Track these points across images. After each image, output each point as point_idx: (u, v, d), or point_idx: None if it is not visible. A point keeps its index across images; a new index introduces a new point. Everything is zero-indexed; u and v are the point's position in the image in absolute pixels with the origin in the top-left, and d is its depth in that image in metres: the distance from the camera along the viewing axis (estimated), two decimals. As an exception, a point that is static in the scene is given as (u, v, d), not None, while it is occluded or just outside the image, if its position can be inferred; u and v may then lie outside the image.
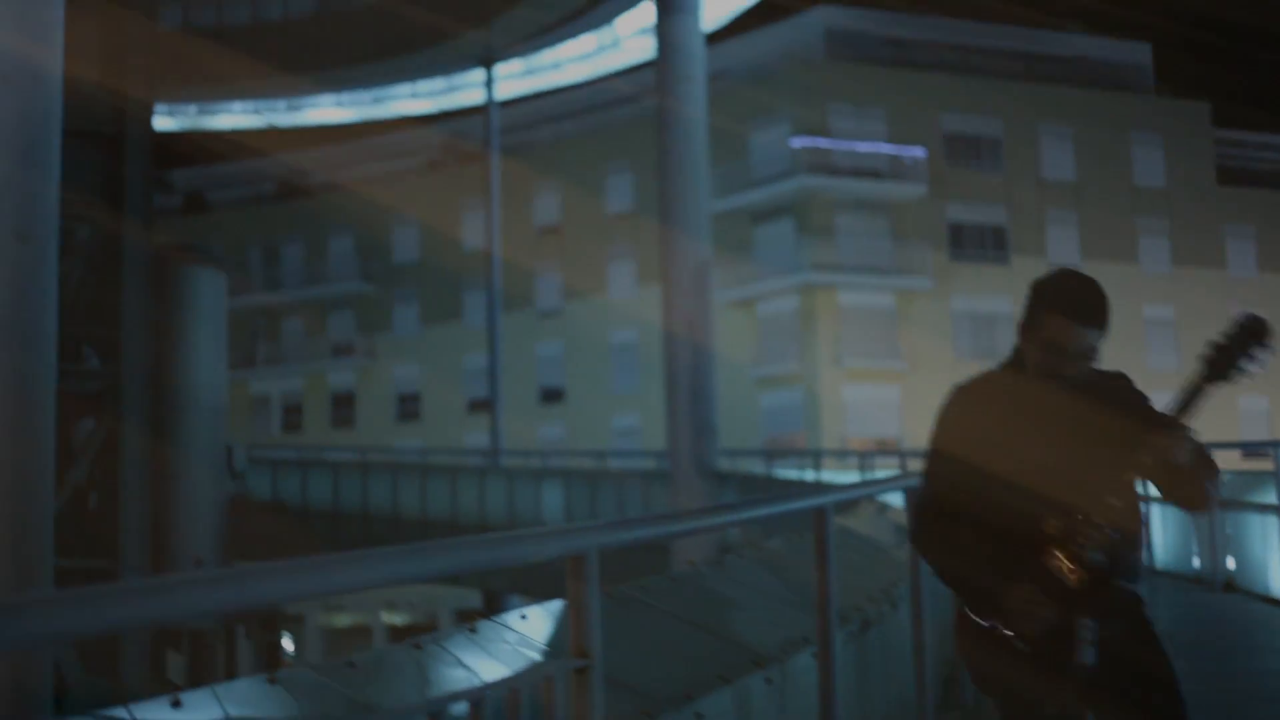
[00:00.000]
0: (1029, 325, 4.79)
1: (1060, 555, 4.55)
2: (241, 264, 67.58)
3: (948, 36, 60.54)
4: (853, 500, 12.49)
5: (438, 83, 52.75)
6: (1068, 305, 4.70)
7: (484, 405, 56.89)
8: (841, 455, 41.29)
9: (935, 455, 4.84)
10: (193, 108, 54.63)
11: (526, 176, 62.58)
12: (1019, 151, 58.40)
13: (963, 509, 4.74)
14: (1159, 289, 58.69)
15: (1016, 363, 4.85)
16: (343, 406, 71.26)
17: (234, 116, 56.67)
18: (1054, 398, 4.73)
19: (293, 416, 72.66)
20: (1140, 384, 4.93)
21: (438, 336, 67.34)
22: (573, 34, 46.85)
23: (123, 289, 29.60)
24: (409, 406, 69.02)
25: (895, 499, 15.27)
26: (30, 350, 17.87)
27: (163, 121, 48.32)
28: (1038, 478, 4.63)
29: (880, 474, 29.91)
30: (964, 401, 4.88)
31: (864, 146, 55.10)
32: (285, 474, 40.82)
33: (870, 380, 53.81)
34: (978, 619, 4.74)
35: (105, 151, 29.43)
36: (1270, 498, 14.38)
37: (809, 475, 34.94)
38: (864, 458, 34.94)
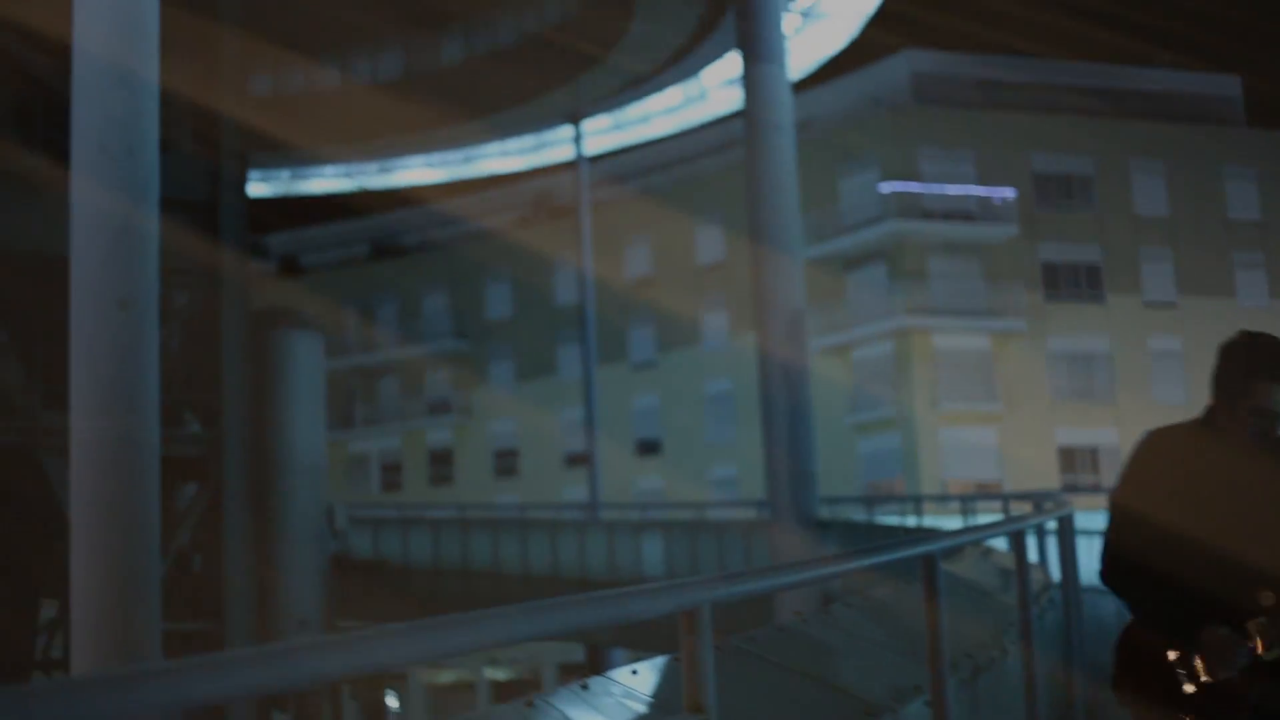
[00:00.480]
0: (1232, 391, 5.07)
1: (1264, 628, 4.75)
2: (337, 325, 68.11)
3: (1035, 77, 60.27)
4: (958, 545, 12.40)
5: (527, 140, 53.05)
6: (1275, 371, 5.00)
7: (581, 459, 56.93)
8: (942, 499, 40.99)
9: (1129, 493, 5.15)
10: (286, 173, 55.20)
11: (617, 230, 62.78)
12: (1111, 189, 57.97)
13: (1158, 547, 5.01)
14: (1258, 323, 57.16)
15: (1210, 420, 5.09)
16: (441, 464, 71.55)
17: (326, 180, 57.22)
18: (1253, 461, 5.01)
19: (392, 475, 73.05)
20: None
21: (533, 391, 67.53)
22: (659, 87, 46.99)
23: (221, 354, 29.95)
24: (507, 462, 69.21)
25: (1000, 543, 15.12)
26: (133, 416, 18.06)
27: (256, 187, 48.83)
28: (1234, 537, 4.91)
29: (982, 518, 29.66)
30: (1162, 447, 5.19)
31: (954, 189, 54.89)
32: (386, 532, 40.96)
33: (967, 423, 53.46)
34: (1156, 641, 4.99)
35: (202, 219, 29.83)
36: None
37: (909, 521, 34.71)
38: (964, 501, 34.66)
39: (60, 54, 21.51)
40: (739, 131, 36.09)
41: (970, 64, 59.83)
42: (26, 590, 28.96)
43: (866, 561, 5.84)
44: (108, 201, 18.76)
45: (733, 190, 46.79)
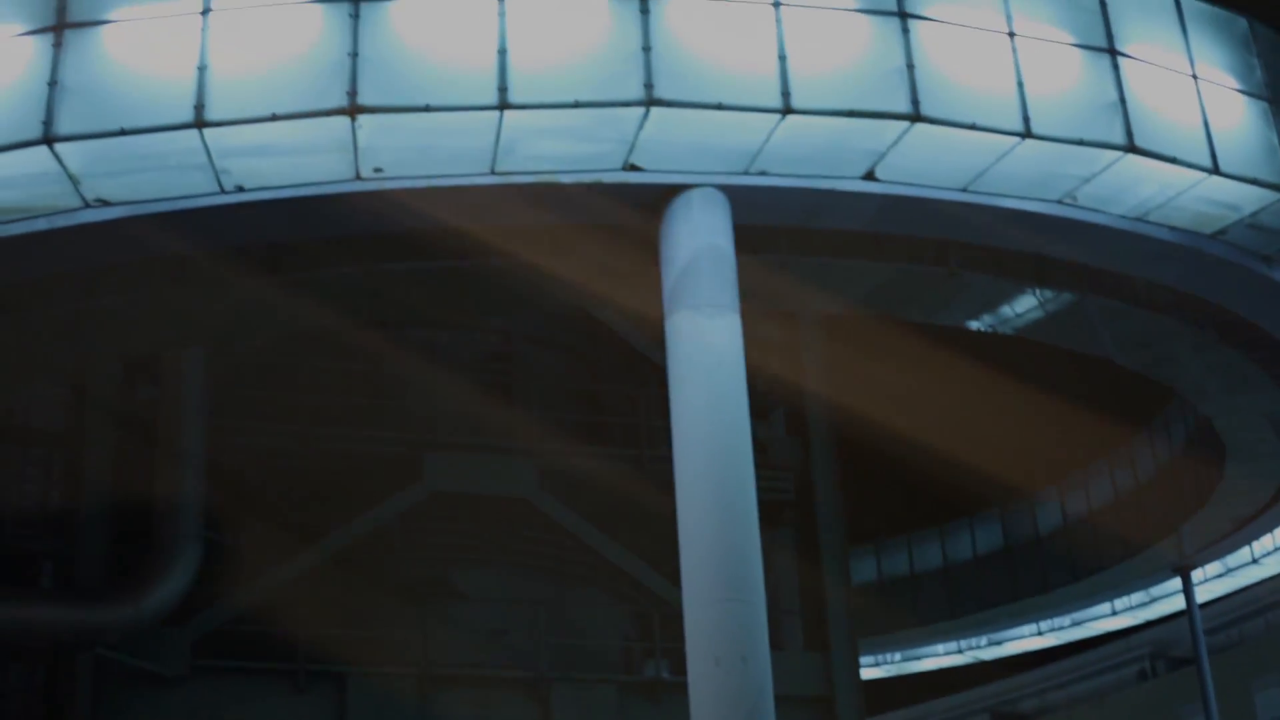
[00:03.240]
0: None
1: None
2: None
3: None
4: None
5: (1136, 596, 52.32)
6: None
7: None
8: None
9: None
10: (897, 654, 55.92)
11: (1241, 675, 60.58)
12: None
13: None
14: None
15: None
16: None
17: (938, 658, 57.63)
18: None
19: None
20: None
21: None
22: (1266, 528, 45.90)
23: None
24: None
25: None
26: None
27: (869, 672, 49.60)
28: None
29: None
30: None
31: None
32: None
33: None
34: None
35: (818, 713, 30.56)
36: None
37: None
38: None
39: (672, 571, 22.76)
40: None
41: None
42: None
43: None
44: (726, 710, 19.56)
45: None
